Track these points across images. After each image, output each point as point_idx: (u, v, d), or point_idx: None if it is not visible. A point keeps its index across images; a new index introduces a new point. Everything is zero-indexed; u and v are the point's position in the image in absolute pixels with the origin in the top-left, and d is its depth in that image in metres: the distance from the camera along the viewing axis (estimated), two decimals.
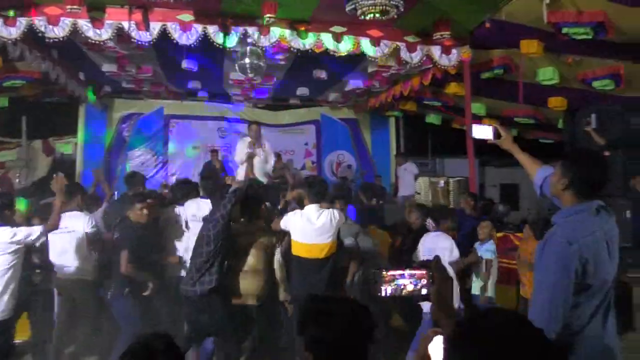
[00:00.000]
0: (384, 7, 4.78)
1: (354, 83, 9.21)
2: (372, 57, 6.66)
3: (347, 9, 4.97)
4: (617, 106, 7.04)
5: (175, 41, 6.02)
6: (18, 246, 3.82)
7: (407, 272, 1.54)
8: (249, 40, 6.28)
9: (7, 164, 10.10)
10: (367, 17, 4.95)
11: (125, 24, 5.79)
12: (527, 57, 6.40)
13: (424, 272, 1.52)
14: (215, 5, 5.93)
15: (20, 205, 4.44)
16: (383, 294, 1.54)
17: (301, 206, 4.44)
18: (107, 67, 8.04)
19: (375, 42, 6.45)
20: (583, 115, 6.98)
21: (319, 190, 4.33)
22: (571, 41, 5.53)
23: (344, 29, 6.33)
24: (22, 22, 5.65)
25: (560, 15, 5.21)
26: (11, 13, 5.60)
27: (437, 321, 1.49)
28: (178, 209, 5.01)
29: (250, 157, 4.50)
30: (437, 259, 1.55)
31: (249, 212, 4.53)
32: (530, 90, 7.15)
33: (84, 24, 5.76)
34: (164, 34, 5.96)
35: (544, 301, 2.05)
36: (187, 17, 5.94)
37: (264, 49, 6.46)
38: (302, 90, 9.95)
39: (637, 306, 5.27)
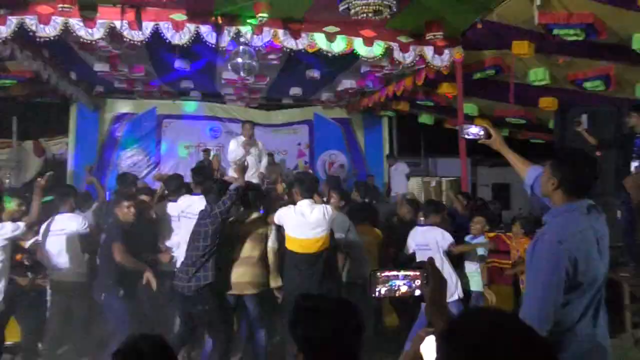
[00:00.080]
0: (377, 7, 4.79)
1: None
2: (365, 57, 6.67)
3: (340, 8, 4.98)
4: (609, 106, 7.11)
5: (167, 41, 6.00)
6: (5, 242, 3.81)
7: (401, 273, 1.55)
8: (242, 39, 6.28)
9: None
10: (360, 17, 4.96)
11: (118, 23, 5.77)
12: (519, 58, 6.44)
13: (418, 273, 1.53)
14: (208, 5, 5.92)
15: (8, 204, 4.41)
16: (377, 294, 1.55)
17: (291, 201, 4.47)
18: (99, 67, 8.00)
19: (368, 42, 6.47)
20: (574, 116, 7.03)
21: (309, 186, 4.34)
22: (562, 42, 5.58)
23: (337, 29, 6.34)
24: (13, 20, 5.61)
25: (551, 17, 5.26)
26: (1, 12, 5.56)
27: (430, 321, 1.50)
28: (171, 205, 5.00)
29: (241, 166, 4.56)
30: (430, 260, 1.56)
31: (247, 201, 4.54)
32: (521, 91, 7.20)
33: (76, 23, 5.72)
34: (156, 34, 5.94)
35: (535, 300, 2.07)
36: (179, 16, 5.92)
37: (257, 48, 6.45)
38: (295, 90, 9.95)
39: (627, 306, 5.32)
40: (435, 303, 1.47)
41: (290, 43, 6.31)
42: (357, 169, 11.38)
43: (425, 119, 10.66)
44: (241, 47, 6.41)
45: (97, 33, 5.81)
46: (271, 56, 7.30)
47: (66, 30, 5.75)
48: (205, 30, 6.03)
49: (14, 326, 4.71)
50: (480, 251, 4.95)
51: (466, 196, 6.71)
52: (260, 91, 10.19)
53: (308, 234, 4.22)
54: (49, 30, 5.68)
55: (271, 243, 4.47)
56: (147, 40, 6.02)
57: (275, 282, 4.44)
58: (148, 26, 5.87)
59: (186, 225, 4.63)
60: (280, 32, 6.24)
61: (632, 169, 5.16)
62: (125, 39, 5.97)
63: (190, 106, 11.07)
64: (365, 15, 4.88)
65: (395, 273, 1.55)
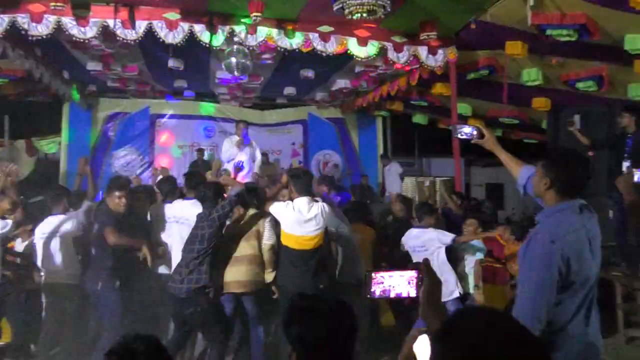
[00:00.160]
0: (371, 6, 4.80)
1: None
2: (359, 57, 6.68)
3: (335, 8, 4.98)
4: (602, 107, 7.16)
5: (161, 40, 5.97)
6: None
7: (396, 273, 1.55)
8: (236, 39, 6.26)
9: None
10: (355, 17, 4.96)
11: (111, 22, 5.74)
12: (512, 59, 6.47)
13: (413, 273, 1.53)
14: (202, 4, 5.90)
15: None
16: (372, 295, 1.55)
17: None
18: (92, 66, 7.95)
19: (362, 42, 6.48)
20: (567, 116, 7.07)
21: (304, 182, 4.34)
22: (555, 43, 5.61)
23: (332, 29, 6.34)
24: (5, 19, 5.56)
25: (544, 17, 5.28)
26: None
27: (426, 322, 1.50)
28: (167, 207, 4.98)
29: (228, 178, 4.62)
30: (426, 261, 1.56)
31: (244, 202, 4.53)
32: (514, 91, 7.23)
33: (68, 22, 5.69)
34: (149, 33, 5.91)
35: (528, 299, 2.08)
36: (173, 15, 5.90)
37: (251, 48, 6.44)
38: (290, 90, 9.94)
39: (619, 305, 5.35)
40: (431, 303, 1.48)
41: (284, 43, 6.30)
42: (351, 168, 11.39)
43: (419, 119, 10.69)
44: (235, 47, 6.40)
45: (89, 32, 5.77)
46: (265, 55, 7.29)
47: (59, 28, 5.72)
48: (199, 29, 6.01)
49: (5, 328, 4.68)
50: (478, 255, 4.96)
51: (460, 196, 6.74)
52: (254, 91, 10.17)
53: (304, 231, 4.23)
54: (41, 29, 5.65)
55: (266, 239, 4.47)
56: (140, 39, 5.99)
57: (269, 277, 4.44)
58: (141, 25, 5.85)
59: (179, 230, 4.63)
60: (274, 31, 6.23)
61: (624, 168, 5.19)
62: (118, 38, 5.95)
63: (184, 106, 11.03)
64: (359, 15, 4.89)
65: (390, 273, 1.55)
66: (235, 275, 4.33)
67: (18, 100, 9.30)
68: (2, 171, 3.92)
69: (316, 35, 6.36)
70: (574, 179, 2.18)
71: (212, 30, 6.04)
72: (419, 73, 7.32)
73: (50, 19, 5.64)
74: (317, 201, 4.32)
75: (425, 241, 4.72)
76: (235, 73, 6.65)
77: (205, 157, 10.25)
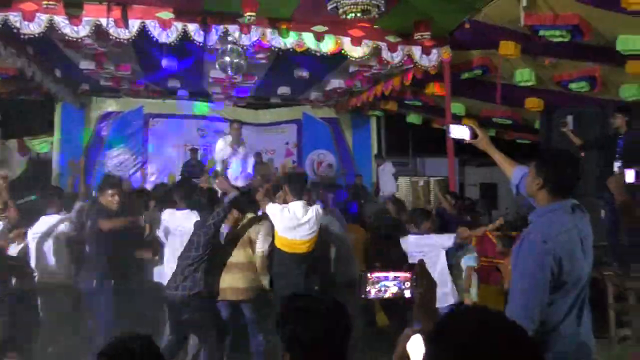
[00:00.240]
0: (365, 6, 4.80)
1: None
2: (353, 57, 6.68)
3: (329, 7, 4.97)
4: (595, 107, 7.20)
5: (154, 39, 5.95)
6: None
7: (391, 274, 1.55)
8: (230, 38, 6.25)
9: None
10: (349, 17, 4.96)
11: (104, 21, 5.71)
12: (505, 59, 6.49)
13: (408, 274, 1.54)
14: (196, 3, 5.88)
15: None
16: (367, 295, 1.56)
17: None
18: (85, 65, 7.91)
19: (357, 41, 6.48)
20: (560, 116, 7.11)
21: (300, 186, 4.34)
22: (548, 43, 5.63)
23: (326, 29, 6.34)
24: None
25: (537, 18, 5.30)
26: None
27: (420, 323, 1.51)
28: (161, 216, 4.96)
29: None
30: (421, 262, 1.56)
31: (240, 205, 4.52)
32: (508, 91, 7.26)
33: (61, 21, 5.65)
34: (143, 32, 5.89)
35: (521, 299, 2.09)
36: (167, 14, 5.87)
37: (245, 47, 6.42)
38: (284, 89, 9.93)
39: (611, 305, 5.39)
40: (425, 305, 1.48)
41: (278, 42, 6.29)
42: (346, 168, 11.39)
43: (413, 118, 10.71)
44: (229, 46, 6.38)
45: (82, 31, 5.74)
46: (259, 55, 7.28)
47: (51, 27, 5.67)
48: (192, 28, 5.98)
49: None
50: (470, 261, 4.96)
51: (454, 196, 6.76)
52: (248, 90, 10.15)
53: (298, 235, 4.23)
54: (34, 28, 5.61)
55: (258, 247, 4.46)
56: (133, 38, 5.96)
57: (267, 283, 4.44)
58: (134, 24, 5.82)
59: (172, 241, 4.61)
60: (268, 31, 6.21)
61: (615, 169, 5.22)
62: (111, 37, 5.92)
63: (177, 105, 10.98)
64: (353, 14, 4.89)
65: (385, 274, 1.55)
66: (232, 282, 4.30)
67: (10, 99, 9.22)
68: None
69: (310, 34, 6.35)
70: (566, 179, 2.19)
71: (206, 29, 6.02)
72: (413, 73, 7.33)
73: (43, 17, 5.60)
74: (311, 204, 4.33)
75: (424, 247, 4.71)
76: (229, 72, 6.64)
77: (199, 157, 10.22)
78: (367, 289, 1.55)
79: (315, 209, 4.30)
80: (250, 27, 6.10)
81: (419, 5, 5.87)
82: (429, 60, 6.77)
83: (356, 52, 6.54)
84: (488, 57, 6.86)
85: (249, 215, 4.54)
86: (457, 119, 8.43)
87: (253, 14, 5.66)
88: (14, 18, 5.54)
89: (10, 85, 8.51)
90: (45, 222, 4.63)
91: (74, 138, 10.29)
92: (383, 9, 4.95)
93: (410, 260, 4.77)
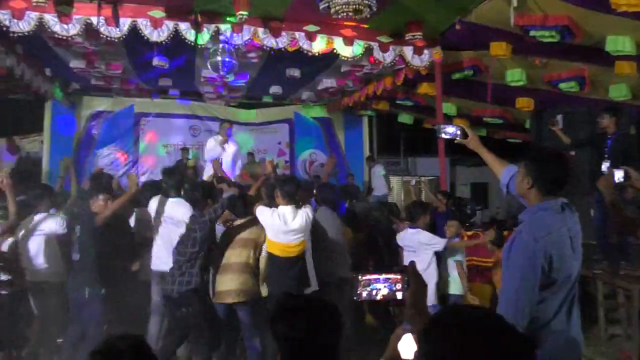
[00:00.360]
0: (357, 6, 4.81)
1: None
2: (345, 57, 6.69)
3: (321, 7, 4.98)
4: (584, 107, 7.27)
5: (145, 38, 5.92)
6: None
7: (382, 276, 1.56)
8: (222, 37, 6.23)
9: None
10: (340, 16, 4.97)
11: (94, 19, 5.66)
12: (496, 59, 6.53)
13: (399, 276, 1.54)
14: (187, 2, 5.86)
15: None
16: (359, 297, 1.56)
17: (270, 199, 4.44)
18: (75, 64, 7.84)
19: (348, 41, 6.49)
20: (550, 116, 7.18)
21: (290, 189, 4.33)
22: (538, 44, 5.67)
23: (318, 28, 6.34)
24: None
25: (527, 19, 5.34)
26: None
27: (411, 325, 1.52)
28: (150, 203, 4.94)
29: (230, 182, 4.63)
30: (412, 264, 1.57)
31: (236, 207, 4.51)
32: (499, 91, 7.30)
33: (51, 19, 5.60)
34: (134, 30, 5.85)
35: (512, 297, 2.10)
36: (158, 13, 5.84)
37: (236, 46, 6.41)
38: (275, 89, 9.92)
39: (600, 302, 5.44)
40: (416, 306, 1.49)
41: (270, 42, 6.28)
42: (338, 168, 11.39)
43: (404, 118, 10.74)
44: (220, 45, 6.37)
45: (72, 29, 5.69)
46: (251, 54, 7.27)
47: (41, 25, 5.63)
48: (184, 27, 5.96)
49: None
50: (458, 257, 4.99)
51: (446, 195, 6.79)
52: (240, 90, 10.13)
53: (289, 239, 4.23)
54: (23, 26, 5.55)
55: (264, 251, 4.43)
56: (124, 37, 5.92)
57: (265, 291, 4.41)
58: (125, 23, 5.78)
59: (164, 229, 4.59)
60: (260, 30, 6.20)
61: (604, 169, 5.27)
62: (102, 36, 5.88)
63: (168, 104, 10.94)
64: (345, 14, 4.89)
65: (376, 276, 1.56)
66: (228, 284, 4.26)
67: None
68: None
69: (302, 34, 6.35)
70: (555, 178, 2.21)
71: (198, 28, 6.00)
72: (405, 73, 7.35)
73: (32, 15, 5.54)
74: (301, 208, 4.33)
75: (416, 243, 4.74)
76: (221, 72, 6.62)
77: (190, 156, 10.18)
78: (359, 291, 1.56)
79: (306, 214, 4.29)
80: (242, 26, 6.09)
81: (410, 6, 5.88)
82: (421, 60, 6.79)
83: (348, 52, 6.55)
84: (479, 57, 6.90)
85: (240, 220, 4.51)
86: (449, 119, 8.48)
87: (245, 13, 5.65)
88: (3, 16, 5.48)
89: (0, 84, 8.42)
90: (35, 221, 4.59)
91: (65, 137, 10.20)
92: (375, 9, 4.96)
93: (405, 257, 4.81)
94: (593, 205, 5.63)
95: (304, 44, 6.37)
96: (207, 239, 4.14)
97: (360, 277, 1.56)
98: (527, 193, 2.25)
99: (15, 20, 5.52)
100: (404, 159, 13.77)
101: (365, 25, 6.38)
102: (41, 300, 4.54)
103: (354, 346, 4.53)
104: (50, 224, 4.60)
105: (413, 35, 6.32)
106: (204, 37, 6.09)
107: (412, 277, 1.52)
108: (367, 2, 4.81)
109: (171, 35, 5.94)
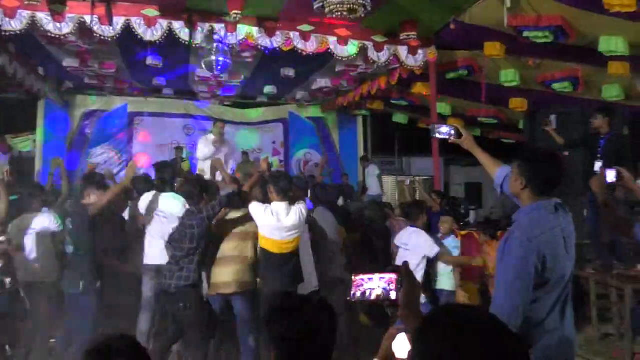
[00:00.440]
0: (352, 5, 4.80)
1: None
2: (340, 56, 6.69)
3: (315, 6, 4.97)
4: (578, 107, 7.31)
5: (139, 37, 5.89)
6: None
7: (376, 276, 1.55)
8: (216, 37, 6.21)
9: None
10: (335, 16, 4.97)
11: (88, 18, 5.63)
12: (490, 59, 6.55)
13: (393, 276, 1.54)
14: (181, 1, 5.84)
15: None
16: (353, 297, 1.56)
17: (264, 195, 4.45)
18: (68, 62, 7.80)
19: (343, 41, 6.49)
20: (543, 116, 7.21)
21: (284, 185, 4.32)
22: (532, 44, 5.69)
23: (312, 28, 6.33)
24: None
25: (521, 19, 5.36)
26: None
27: (405, 325, 1.52)
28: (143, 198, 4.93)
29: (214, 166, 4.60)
30: (405, 264, 1.57)
31: (233, 201, 4.50)
32: (493, 91, 7.33)
33: (44, 17, 5.56)
34: (128, 29, 5.82)
35: (506, 296, 2.11)
36: (152, 12, 5.81)
37: (231, 46, 6.39)
38: (270, 89, 9.91)
39: (593, 302, 5.48)
40: (409, 307, 1.49)
41: (264, 41, 6.27)
42: (332, 167, 11.41)
43: (399, 118, 10.77)
44: (215, 45, 6.35)
45: (66, 28, 5.65)
46: (245, 54, 7.25)
47: (33, 24, 5.59)
48: (178, 26, 5.94)
49: None
50: (453, 252, 5.01)
51: (440, 195, 6.80)
52: (234, 89, 10.11)
53: (282, 236, 4.22)
54: (15, 24, 5.51)
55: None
56: (118, 36, 5.89)
57: (261, 284, 4.42)
58: (119, 21, 5.75)
59: (157, 223, 4.59)
60: (255, 30, 6.19)
61: (597, 169, 5.30)
62: (95, 35, 5.84)
63: (163, 104, 10.90)
64: (339, 13, 4.89)
65: (370, 276, 1.55)
66: (226, 276, 4.25)
67: None
68: None
69: (297, 34, 6.35)
70: (549, 178, 2.22)
71: (192, 27, 5.98)
72: (399, 73, 7.37)
73: (25, 14, 5.50)
74: (294, 205, 4.32)
75: (412, 243, 4.74)
76: (215, 71, 6.60)
77: (184, 155, 10.15)
78: (353, 292, 1.55)
79: (299, 211, 4.29)
80: (237, 25, 6.07)
81: (405, 5, 5.89)
82: (415, 60, 6.80)
83: (342, 51, 6.55)
84: (474, 57, 6.92)
85: (237, 214, 4.51)
86: (443, 119, 8.50)
87: (239, 12, 5.63)
88: None
89: None
90: (27, 220, 4.56)
91: (58, 136, 10.15)
92: (369, 9, 4.96)
93: (399, 256, 4.81)
94: (586, 205, 5.65)
95: (299, 44, 6.37)
96: (205, 236, 4.13)
97: (354, 277, 1.56)
98: (520, 193, 2.25)
99: (8, 19, 5.48)
100: (398, 158, 13.79)
101: (360, 25, 6.37)
102: (35, 300, 4.51)
103: (348, 346, 4.54)
104: (43, 222, 4.58)
105: (407, 35, 6.33)
106: (198, 37, 6.07)
107: (406, 277, 1.52)
108: (361, 1, 4.81)
109: (165, 35, 5.91)
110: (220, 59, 6.44)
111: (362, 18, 5.33)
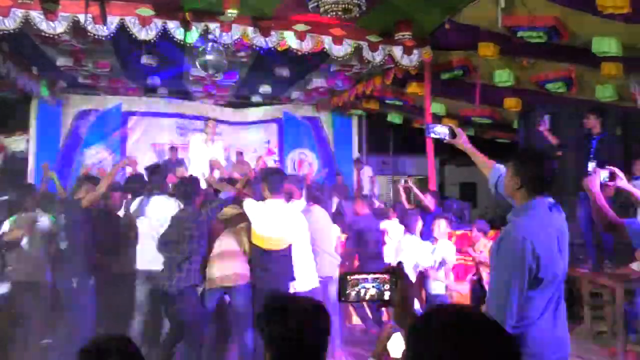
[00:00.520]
0: (347, 5, 4.81)
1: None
2: (335, 56, 6.69)
3: (310, 6, 4.97)
4: (571, 107, 7.34)
5: (134, 36, 5.87)
6: None
7: (370, 276, 1.56)
8: (210, 36, 6.19)
9: None
10: (330, 15, 4.97)
11: (81, 17, 5.60)
12: (485, 60, 6.57)
13: (386, 276, 1.54)
14: (176, 0, 5.82)
15: None
16: (347, 297, 1.56)
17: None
18: (62, 62, 7.76)
19: (338, 41, 6.49)
20: (537, 116, 7.24)
21: (277, 181, 4.33)
22: (526, 44, 5.72)
23: (307, 27, 6.33)
24: None
25: (515, 20, 5.38)
26: None
27: (399, 325, 1.52)
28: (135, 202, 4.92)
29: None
30: (400, 264, 1.57)
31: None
32: (487, 92, 7.35)
33: (37, 16, 5.52)
34: (122, 29, 5.80)
35: (500, 295, 2.12)
36: (146, 11, 5.79)
37: (225, 45, 6.38)
38: (265, 88, 9.89)
39: (586, 301, 5.51)
40: (403, 307, 1.49)
41: (259, 41, 6.26)
42: (327, 167, 11.40)
43: (394, 118, 10.77)
44: (209, 44, 6.33)
45: (59, 27, 5.62)
46: (240, 53, 7.24)
47: (27, 23, 5.55)
48: (172, 26, 5.92)
49: None
50: (449, 256, 5.01)
51: (435, 195, 6.82)
52: (229, 89, 10.09)
53: (275, 233, 4.22)
54: (8, 23, 5.47)
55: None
56: (112, 35, 5.87)
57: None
58: (113, 21, 5.72)
59: (150, 225, 4.57)
60: (250, 29, 6.18)
61: (590, 169, 5.33)
62: (89, 34, 5.81)
63: (157, 103, 10.85)
64: (334, 13, 4.89)
65: (364, 276, 1.56)
66: (223, 270, 4.25)
67: None
68: None
69: (291, 33, 6.34)
70: (543, 178, 2.23)
71: (186, 27, 5.96)
72: (394, 72, 7.37)
73: (18, 12, 5.47)
74: (289, 202, 4.33)
75: (409, 247, 4.74)
76: (210, 71, 6.59)
77: (179, 155, 10.10)
78: (347, 292, 1.55)
79: (293, 207, 4.30)
80: (231, 25, 6.06)
81: (399, 5, 5.90)
82: (410, 60, 6.81)
83: (337, 51, 6.55)
84: (468, 57, 6.94)
85: (234, 210, 4.50)
86: (438, 119, 8.51)
87: (234, 11, 5.62)
88: None
89: None
90: (19, 220, 4.55)
91: (51, 136, 10.08)
92: (364, 9, 4.97)
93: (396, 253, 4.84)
94: (579, 205, 5.68)
95: (293, 44, 6.36)
96: (205, 236, 4.15)
97: (348, 277, 1.56)
98: (515, 193, 2.27)
99: (1, 18, 5.44)
100: (393, 158, 13.80)
101: (355, 25, 6.37)
102: (27, 300, 4.49)
103: (342, 345, 4.54)
104: (37, 223, 4.55)
105: (402, 35, 6.34)
106: (193, 36, 6.05)
107: (400, 277, 1.52)
108: (356, 1, 4.81)
109: (160, 34, 5.89)
110: (215, 58, 6.41)
111: (356, 18, 5.33)
